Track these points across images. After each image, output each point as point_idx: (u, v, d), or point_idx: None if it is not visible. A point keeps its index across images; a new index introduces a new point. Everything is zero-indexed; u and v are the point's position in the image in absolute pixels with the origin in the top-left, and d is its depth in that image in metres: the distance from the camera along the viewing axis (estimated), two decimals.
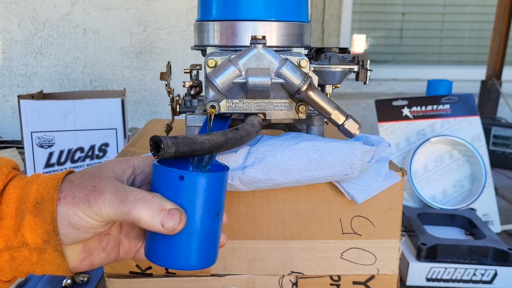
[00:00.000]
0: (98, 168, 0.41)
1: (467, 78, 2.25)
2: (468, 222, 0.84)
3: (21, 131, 0.97)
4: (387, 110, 1.01)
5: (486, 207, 0.93)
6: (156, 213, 0.37)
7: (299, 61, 0.52)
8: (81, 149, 1.01)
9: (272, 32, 0.54)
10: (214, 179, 0.40)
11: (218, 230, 0.42)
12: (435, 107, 1.00)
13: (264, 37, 0.50)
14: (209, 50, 0.55)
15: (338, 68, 0.54)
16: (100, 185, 0.38)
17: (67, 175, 0.40)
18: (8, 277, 0.39)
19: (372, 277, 0.60)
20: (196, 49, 0.60)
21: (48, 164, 0.99)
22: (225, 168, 0.44)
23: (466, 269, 0.72)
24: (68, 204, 0.37)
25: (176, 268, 0.40)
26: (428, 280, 0.73)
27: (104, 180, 0.39)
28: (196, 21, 0.58)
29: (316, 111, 0.53)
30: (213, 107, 0.50)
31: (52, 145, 0.99)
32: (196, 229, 0.39)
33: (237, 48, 0.54)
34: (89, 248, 0.41)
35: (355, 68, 0.54)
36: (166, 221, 0.37)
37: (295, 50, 0.56)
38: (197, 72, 0.67)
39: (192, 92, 0.68)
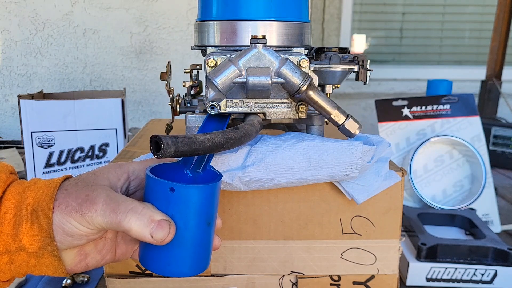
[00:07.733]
0: (93, 175, 0.42)
1: (467, 78, 2.25)
2: (468, 222, 0.84)
3: (21, 131, 0.97)
4: (387, 110, 1.01)
5: (486, 207, 0.93)
6: (145, 224, 0.38)
7: (299, 61, 0.52)
8: (81, 149, 1.00)
9: (272, 32, 0.54)
10: (205, 191, 0.40)
11: (210, 238, 0.42)
12: (435, 107, 1.00)
13: (264, 37, 0.50)
14: (209, 50, 0.55)
15: (338, 68, 0.54)
16: (93, 194, 0.39)
17: (63, 182, 0.41)
18: (7, 277, 0.41)
19: (372, 277, 0.60)
20: (196, 49, 0.60)
21: (48, 164, 0.99)
22: (217, 178, 0.44)
23: (466, 269, 0.72)
24: (62, 212, 0.38)
25: (168, 275, 0.41)
26: (428, 280, 0.73)
27: (98, 189, 0.39)
28: (196, 21, 0.58)
29: (316, 111, 0.53)
30: (213, 107, 0.50)
31: (52, 145, 0.98)
32: (187, 239, 0.40)
33: (237, 48, 0.54)
34: (85, 251, 0.42)
35: (355, 68, 0.54)
36: (156, 232, 0.38)
37: (295, 50, 0.56)
38: (197, 72, 0.67)
39: (192, 92, 0.68)
